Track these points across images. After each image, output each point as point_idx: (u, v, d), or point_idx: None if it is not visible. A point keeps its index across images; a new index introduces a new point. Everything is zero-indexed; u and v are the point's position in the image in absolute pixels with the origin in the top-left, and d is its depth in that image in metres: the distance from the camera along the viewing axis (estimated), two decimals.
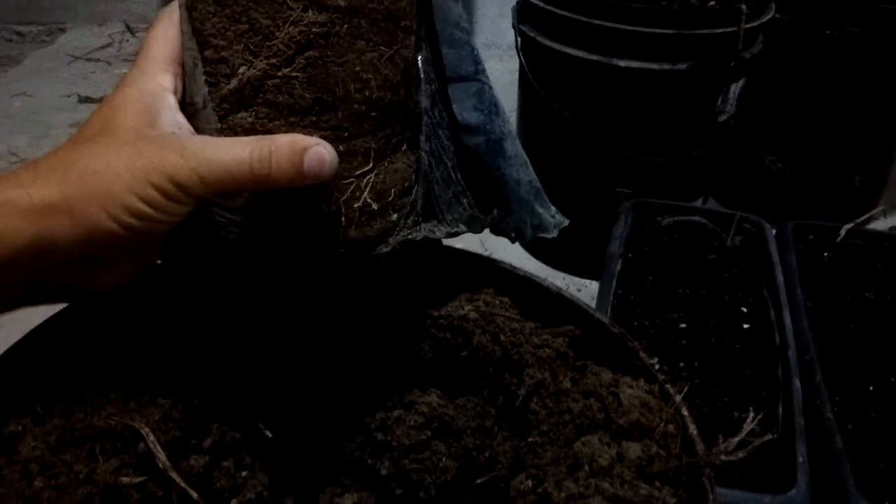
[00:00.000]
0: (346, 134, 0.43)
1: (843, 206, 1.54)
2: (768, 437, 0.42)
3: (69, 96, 1.97)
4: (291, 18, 0.40)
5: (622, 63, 1.14)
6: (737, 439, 0.41)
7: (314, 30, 0.40)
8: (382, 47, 0.43)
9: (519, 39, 1.28)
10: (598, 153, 1.24)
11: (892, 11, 1.29)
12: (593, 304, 1.22)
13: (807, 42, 1.36)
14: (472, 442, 0.52)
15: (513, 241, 0.53)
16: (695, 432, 0.43)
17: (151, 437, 0.45)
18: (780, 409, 0.90)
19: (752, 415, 0.41)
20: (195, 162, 0.38)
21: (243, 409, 0.51)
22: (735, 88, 1.22)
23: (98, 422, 0.45)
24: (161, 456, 0.45)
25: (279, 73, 0.41)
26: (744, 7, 1.11)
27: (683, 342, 1.03)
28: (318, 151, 0.40)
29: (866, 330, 1.05)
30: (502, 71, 2.14)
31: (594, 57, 1.15)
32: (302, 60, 0.41)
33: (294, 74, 0.41)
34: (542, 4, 1.18)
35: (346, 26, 0.41)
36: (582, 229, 1.34)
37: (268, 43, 0.40)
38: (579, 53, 1.16)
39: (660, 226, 1.21)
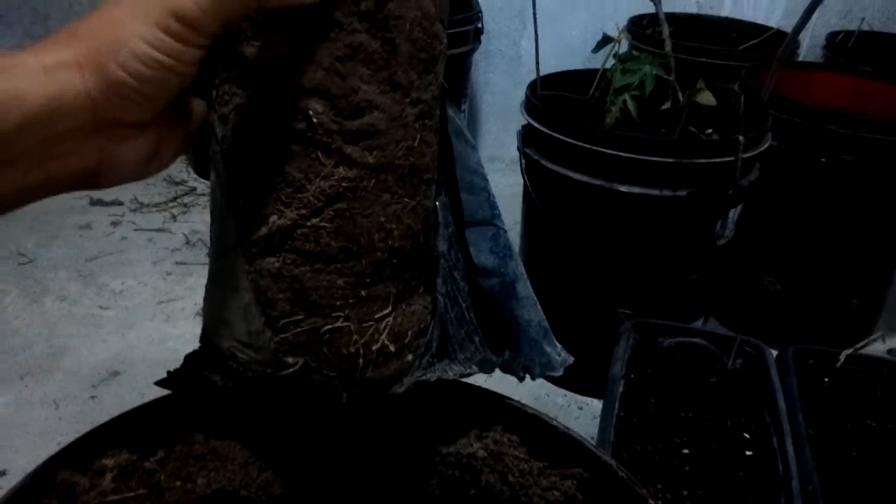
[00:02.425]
0: (368, 280, 0.45)
1: (841, 328, 1.56)
2: None
3: (81, 198, 2.02)
4: (323, 173, 0.42)
5: (623, 188, 1.17)
6: None
7: (343, 184, 0.42)
8: (406, 199, 0.45)
9: (523, 161, 1.32)
10: (599, 273, 1.26)
11: (884, 142, 1.33)
12: (596, 423, 1.21)
13: (803, 169, 1.40)
14: None
15: (521, 379, 0.54)
16: None
17: None
18: None
19: None
20: None
21: None
22: (733, 214, 1.25)
23: None
24: None
25: (308, 223, 0.43)
26: (741, 138, 1.15)
27: (687, 469, 1.02)
28: None
29: (869, 459, 1.04)
30: (505, 184, 2.19)
31: (597, 181, 1.19)
32: (330, 212, 0.43)
33: (322, 224, 0.43)
34: (546, 130, 1.23)
35: (373, 181, 0.43)
36: (584, 348, 1.35)
37: (299, 195, 0.43)
38: (582, 178, 1.20)
39: (661, 347, 1.22)
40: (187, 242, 1.84)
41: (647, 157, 1.14)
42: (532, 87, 1.34)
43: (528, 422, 0.56)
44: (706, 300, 1.36)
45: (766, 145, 1.25)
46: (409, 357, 0.48)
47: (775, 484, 0.98)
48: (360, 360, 0.45)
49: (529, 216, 1.40)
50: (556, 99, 1.37)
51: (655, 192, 1.17)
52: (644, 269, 1.24)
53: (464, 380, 0.58)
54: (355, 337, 0.45)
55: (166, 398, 0.56)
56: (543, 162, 1.25)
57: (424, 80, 0.44)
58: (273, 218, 0.43)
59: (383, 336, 0.46)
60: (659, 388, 1.15)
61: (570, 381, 1.41)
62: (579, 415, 1.37)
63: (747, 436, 1.08)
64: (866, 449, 1.06)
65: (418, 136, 0.44)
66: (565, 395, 1.41)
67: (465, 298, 0.51)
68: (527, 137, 1.31)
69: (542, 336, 0.54)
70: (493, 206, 0.54)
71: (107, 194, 2.08)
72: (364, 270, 0.44)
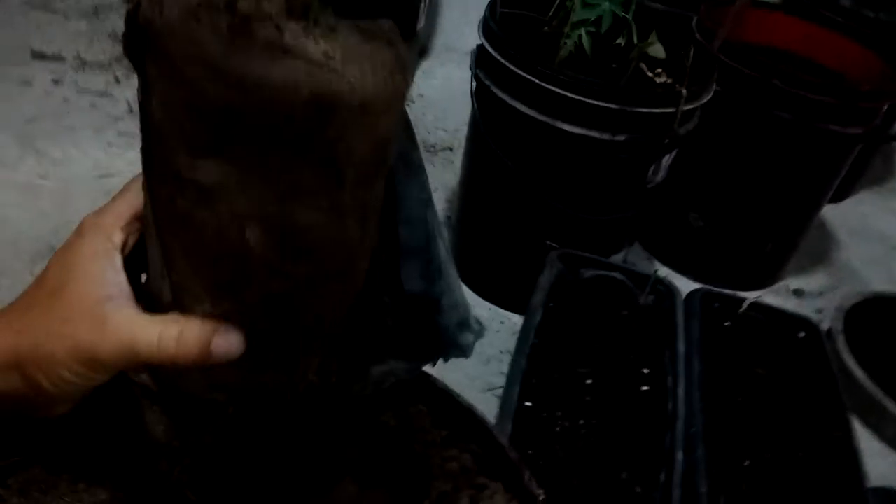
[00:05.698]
0: None
1: (755, 267, 1.67)
2: None
3: (22, 50, 1.94)
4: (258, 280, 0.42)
5: (566, 127, 1.21)
6: None
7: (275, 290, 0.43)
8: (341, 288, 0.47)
9: (474, 83, 1.33)
10: (534, 203, 1.31)
11: (821, 103, 1.38)
12: (513, 339, 1.29)
13: (741, 118, 1.45)
14: None
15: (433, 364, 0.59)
16: None
17: None
18: (662, 478, 1.00)
19: None
20: (114, 341, 0.42)
21: None
22: (667, 159, 1.30)
23: None
24: None
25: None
26: (683, 91, 1.18)
27: (587, 399, 1.12)
28: (227, 337, 0.43)
29: (752, 406, 1.15)
30: (458, 79, 2.17)
31: (542, 117, 1.21)
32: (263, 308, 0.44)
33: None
34: (499, 58, 1.24)
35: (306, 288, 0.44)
36: (511, 271, 1.43)
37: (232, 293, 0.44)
38: (528, 111, 1.22)
39: (582, 278, 1.29)
40: (130, 111, 1.82)
41: (592, 101, 1.17)
42: (491, 5, 1.34)
43: (436, 394, 0.62)
44: (631, 236, 1.43)
45: (709, 97, 1.29)
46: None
47: (664, 422, 1.08)
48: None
49: (474, 139, 1.42)
50: (515, 19, 1.37)
51: (595, 134, 1.21)
52: (576, 204, 1.29)
53: None
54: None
55: None
56: (493, 88, 1.27)
57: (374, 190, 0.43)
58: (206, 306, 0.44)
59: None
60: (575, 319, 1.23)
61: (497, 296, 1.48)
62: (500, 328, 1.46)
63: (646, 371, 1.18)
64: (752, 396, 1.17)
65: (358, 235, 0.44)
66: (490, 309, 1.49)
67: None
68: (480, 59, 1.32)
69: (459, 333, 0.58)
70: (429, 233, 0.54)
71: (49, 46, 2.01)
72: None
